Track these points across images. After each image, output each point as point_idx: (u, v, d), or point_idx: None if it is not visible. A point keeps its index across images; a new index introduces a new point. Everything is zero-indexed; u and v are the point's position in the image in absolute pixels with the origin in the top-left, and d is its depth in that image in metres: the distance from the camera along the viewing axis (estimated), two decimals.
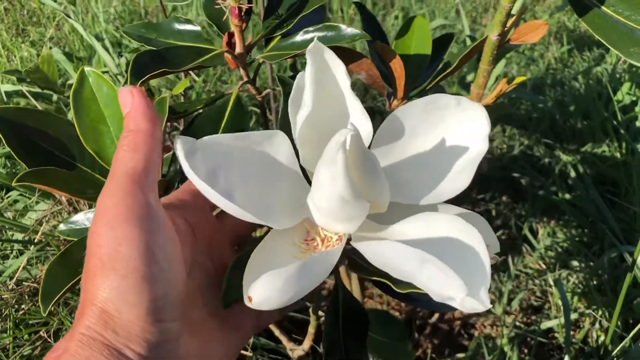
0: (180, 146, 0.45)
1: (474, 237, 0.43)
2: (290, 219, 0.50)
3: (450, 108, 0.51)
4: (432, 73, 0.83)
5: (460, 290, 0.38)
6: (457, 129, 0.51)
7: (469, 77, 1.39)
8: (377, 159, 0.47)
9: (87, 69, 0.63)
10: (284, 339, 0.85)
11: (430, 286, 0.39)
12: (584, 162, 1.39)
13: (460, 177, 0.50)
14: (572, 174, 1.35)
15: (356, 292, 1.01)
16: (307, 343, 0.82)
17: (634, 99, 1.53)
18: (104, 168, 0.64)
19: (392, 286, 0.49)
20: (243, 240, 0.54)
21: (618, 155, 1.38)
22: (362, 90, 1.64)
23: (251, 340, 1.01)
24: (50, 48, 1.79)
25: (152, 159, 0.40)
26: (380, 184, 0.47)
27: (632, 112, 1.50)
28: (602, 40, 0.58)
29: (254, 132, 0.50)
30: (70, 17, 1.53)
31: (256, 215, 0.46)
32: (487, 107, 0.83)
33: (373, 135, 0.52)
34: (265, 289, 0.41)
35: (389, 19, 2.17)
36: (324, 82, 0.51)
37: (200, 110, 0.71)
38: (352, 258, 0.55)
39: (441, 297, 0.39)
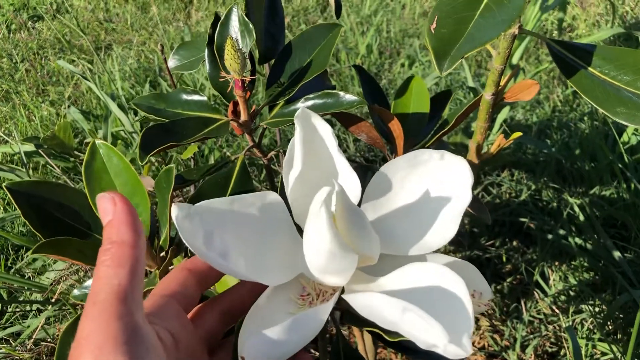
0: (176, 213, 0.48)
1: (457, 285, 0.45)
2: (285, 274, 0.52)
3: (433, 162, 0.54)
4: (431, 130, 0.86)
5: (441, 338, 0.40)
6: (441, 181, 0.54)
7: (473, 125, 1.41)
8: (363, 213, 0.50)
9: (97, 141, 0.66)
10: None
11: (414, 334, 0.41)
12: (592, 205, 1.39)
13: (446, 227, 0.52)
14: (581, 217, 1.35)
15: (369, 348, 1.02)
16: None
17: None
18: None
19: (384, 335, 0.50)
20: (218, 341, 0.53)
21: (627, 197, 1.38)
22: (368, 146, 1.67)
23: None
24: (69, 107, 1.86)
25: (137, 273, 0.36)
26: (369, 237, 0.49)
27: (639, 154, 1.50)
28: (589, 101, 0.61)
29: (247, 195, 0.53)
30: (87, 77, 1.60)
31: (251, 273, 0.49)
32: (490, 157, 0.85)
33: (363, 191, 0.55)
34: (256, 348, 0.43)
35: (395, 67, 2.22)
36: (312, 144, 0.54)
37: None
38: (346, 310, 0.58)
39: (425, 344, 0.41)
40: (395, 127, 0.76)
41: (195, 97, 0.78)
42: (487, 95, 0.73)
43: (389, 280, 0.50)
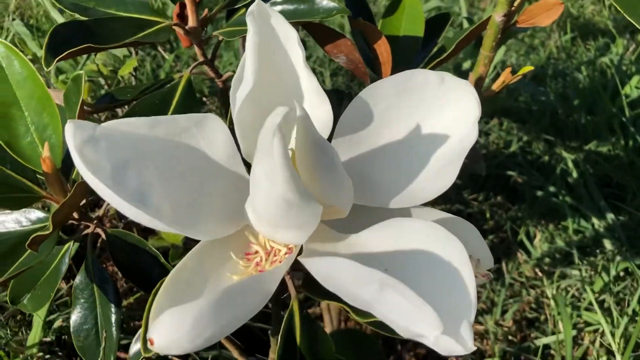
0: (73, 134, 0.35)
1: (456, 252, 0.35)
2: (226, 226, 0.41)
3: (430, 87, 0.43)
4: (424, 58, 0.72)
5: (433, 326, 0.30)
6: (439, 113, 0.43)
7: (465, 65, 1.28)
8: (333, 149, 0.38)
9: None
10: None
11: (394, 319, 0.31)
12: (587, 161, 1.29)
13: (442, 174, 0.41)
14: (574, 174, 1.25)
15: (334, 309, 0.90)
16: None
17: None
18: (16, 162, 0.52)
19: (352, 314, 0.42)
20: None
21: (625, 155, 1.28)
22: (348, 76, 1.52)
23: (210, 355, 0.90)
24: (13, 20, 1.66)
25: None
26: (338, 181, 0.39)
27: None
28: (615, 4, 0.48)
29: (179, 116, 0.41)
30: None
31: (178, 223, 0.37)
32: (484, 99, 0.72)
33: (335, 123, 0.44)
34: (171, 329, 0.31)
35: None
36: (270, 53, 0.42)
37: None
38: (308, 275, 0.46)
39: (408, 333, 0.31)
40: (383, 49, 0.63)
41: None
42: (498, 16, 0.60)
43: (363, 239, 0.39)
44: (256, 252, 0.42)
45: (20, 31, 1.47)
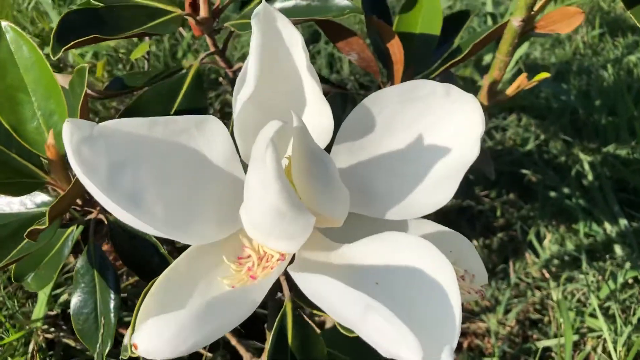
0: (70, 133, 0.35)
1: (446, 275, 0.35)
2: (221, 229, 0.41)
3: (435, 98, 0.43)
4: (439, 57, 0.71)
5: (413, 351, 0.30)
6: (442, 125, 0.43)
7: (487, 58, 1.25)
8: (330, 161, 0.39)
9: (4, 23, 0.51)
10: (241, 350, 0.75)
11: (376, 340, 0.32)
12: (604, 164, 1.26)
13: (440, 188, 0.42)
14: (590, 176, 1.23)
15: None
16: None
17: None
18: (22, 147, 0.53)
19: (339, 328, 0.44)
20: None
21: None
22: (362, 72, 1.49)
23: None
24: None
25: None
26: (334, 193, 0.39)
27: None
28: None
29: (178, 117, 0.41)
30: None
31: (171, 227, 0.38)
32: (502, 101, 0.70)
33: (338, 127, 0.44)
34: (155, 337, 0.32)
35: None
36: (274, 56, 0.41)
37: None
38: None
39: (390, 355, 0.32)
40: (396, 49, 0.62)
41: None
42: (515, 21, 0.59)
43: (354, 251, 0.40)
44: (249, 256, 0.42)
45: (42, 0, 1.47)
